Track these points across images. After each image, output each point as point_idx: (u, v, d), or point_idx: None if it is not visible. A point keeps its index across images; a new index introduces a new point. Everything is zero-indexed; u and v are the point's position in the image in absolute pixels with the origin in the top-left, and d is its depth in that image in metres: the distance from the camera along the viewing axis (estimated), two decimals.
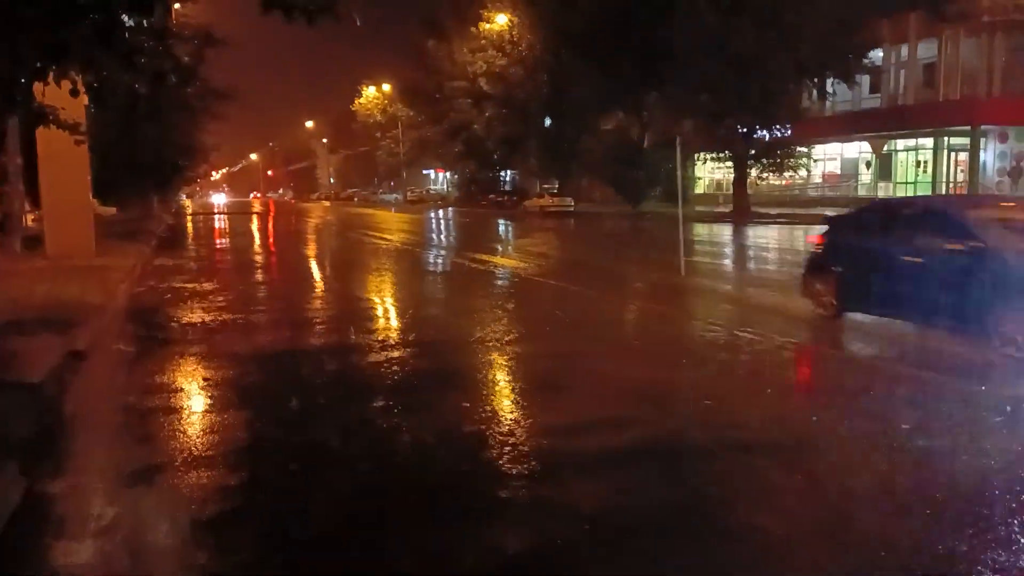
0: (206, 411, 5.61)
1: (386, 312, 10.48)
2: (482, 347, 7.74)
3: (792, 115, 35.25)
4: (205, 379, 6.53)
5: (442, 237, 28.60)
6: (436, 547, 3.49)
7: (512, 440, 4.84)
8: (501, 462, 4.48)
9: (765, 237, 24.39)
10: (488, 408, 5.55)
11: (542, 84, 50.03)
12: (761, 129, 35.52)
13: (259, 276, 15.62)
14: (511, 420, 5.26)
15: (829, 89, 34.74)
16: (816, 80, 34.26)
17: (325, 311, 10.38)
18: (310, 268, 17.20)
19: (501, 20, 52.05)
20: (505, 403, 5.69)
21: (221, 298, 11.58)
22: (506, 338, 8.23)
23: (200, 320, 9.49)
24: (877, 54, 38.53)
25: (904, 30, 40.98)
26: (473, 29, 54.71)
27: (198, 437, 4.98)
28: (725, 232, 27.21)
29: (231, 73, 38.34)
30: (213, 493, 4.11)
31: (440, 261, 18.32)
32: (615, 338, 8.38)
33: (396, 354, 7.40)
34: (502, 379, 6.48)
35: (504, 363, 7.06)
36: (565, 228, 32.02)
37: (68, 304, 9.51)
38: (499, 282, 13.79)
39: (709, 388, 6.07)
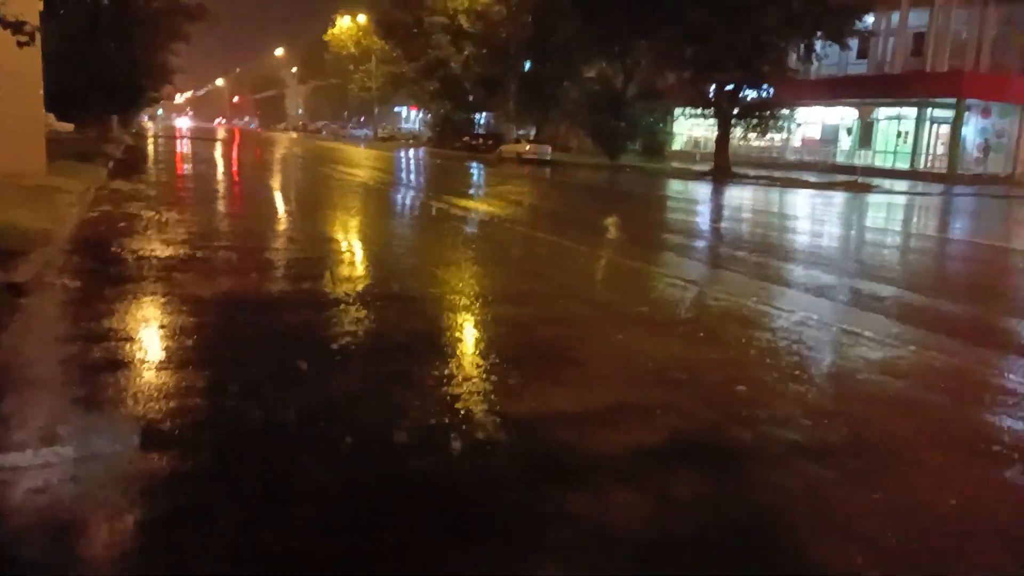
0: (160, 368, 4.79)
1: (362, 259, 9.63)
2: (473, 307, 6.98)
3: (780, 74, 34.39)
4: (161, 327, 5.69)
5: (417, 178, 27.55)
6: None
7: (523, 431, 4.11)
8: (511, 461, 3.76)
9: (752, 199, 23.73)
10: (489, 387, 4.79)
11: (525, 25, 48.46)
12: (748, 87, 34.66)
13: (223, 208, 14.60)
14: (519, 404, 4.52)
15: (819, 50, 33.86)
16: (808, 39, 33.33)
17: (296, 253, 9.49)
18: (278, 203, 16.19)
19: None
20: (510, 381, 4.94)
21: (181, 230, 10.62)
22: (498, 297, 7.48)
23: (157, 254, 8.57)
24: (867, 19, 37.67)
25: None
26: None
27: (149, 403, 4.17)
28: (710, 191, 26.50)
29: None
30: (166, 483, 3.34)
31: (418, 205, 17.40)
32: (618, 302, 7.65)
33: (376, 310, 6.61)
34: (502, 349, 5.70)
35: (501, 329, 6.31)
36: (545, 177, 31.11)
37: (10, 228, 8.55)
38: (482, 231, 12.97)
39: (737, 370, 5.38)
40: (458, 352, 5.54)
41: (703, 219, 17.40)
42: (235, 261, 8.67)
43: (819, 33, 33.03)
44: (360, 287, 7.58)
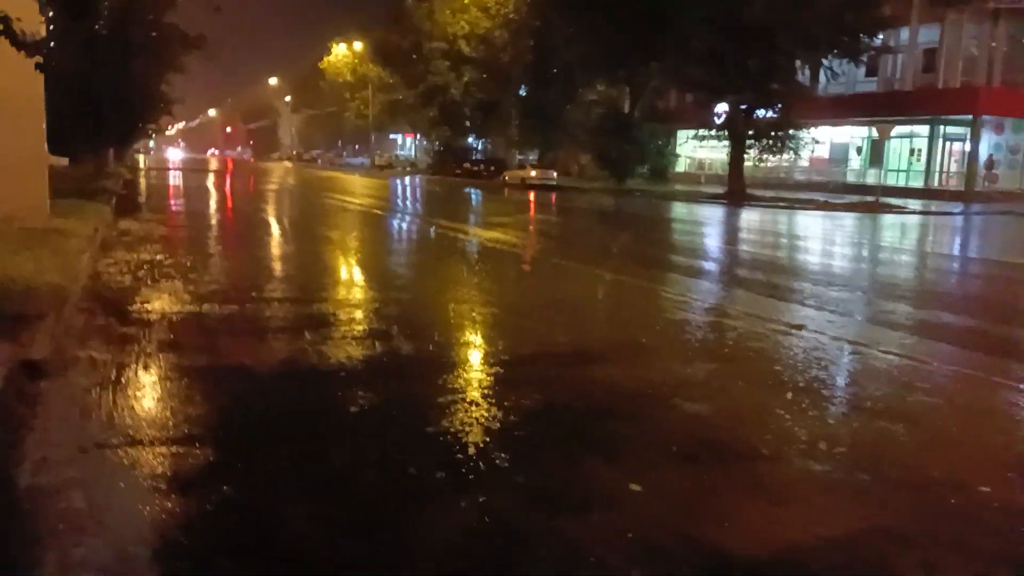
0: (240, 493, 3.61)
1: (421, 308, 8.46)
2: (588, 371, 5.82)
3: (793, 93, 33.54)
4: (222, 420, 4.51)
5: (430, 208, 26.43)
6: None
7: None
8: None
9: (786, 223, 22.69)
10: (675, 505, 3.64)
11: (527, 49, 47.63)
12: (761, 108, 33.77)
13: (243, 249, 13.41)
14: (725, 532, 3.37)
15: (837, 69, 33.04)
16: (826, 58, 32.50)
17: (340, 305, 8.34)
18: (297, 242, 14.99)
19: None
20: (701, 493, 3.78)
21: (207, 278, 9.47)
22: (606, 354, 6.32)
23: (188, 312, 7.41)
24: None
25: (906, 12, 39.52)
26: None
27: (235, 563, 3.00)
28: (737, 215, 25.43)
29: (194, 22, 35.22)
30: None
31: (445, 239, 16.17)
32: (743, 358, 6.48)
33: (471, 381, 5.48)
34: (657, 439, 4.53)
35: (636, 403, 5.14)
36: (558, 203, 30.03)
37: (18, 284, 7.37)
38: (533, 269, 11.85)
39: (962, 467, 4.24)
40: (618, 445, 4.37)
41: (753, 248, 16.29)
42: (276, 318, 7.49)
43: (835, 51, 32.23)
44: (445, 348, 6.43)
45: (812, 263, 13.68)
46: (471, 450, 4.18)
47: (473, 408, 4.83)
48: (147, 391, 4.94)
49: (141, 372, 5.33)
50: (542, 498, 3.64)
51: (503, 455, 4.15)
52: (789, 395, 5.35)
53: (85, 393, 4.83)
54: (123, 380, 5.12)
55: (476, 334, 7.07)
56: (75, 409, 4.56)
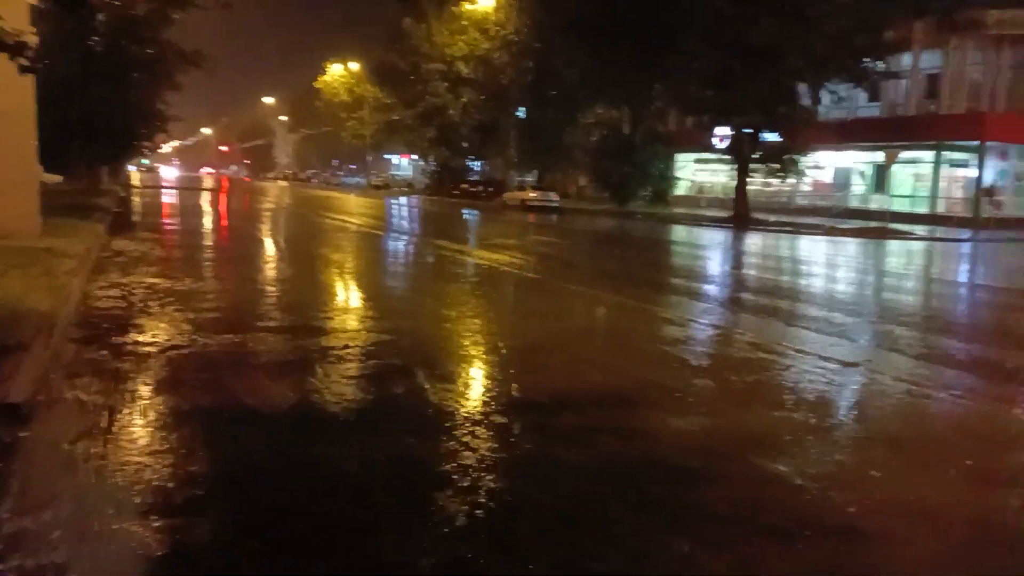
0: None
1: (451, 346, 7.81)
2: (648, 413, 5.19)
3: (802, 118, 33.15)
4: (228, 483, 3.86)
5: (437, 230, 25.83)
6: None
7: None
8: None
9: (802, 249, 22.14)
10: None
11: (527, 71, 47.35)
12: (770, 131, 33.34)
13: (242, 272, 12.72)
14: None
15: (842, 93, 32.71)
16: (833, 81, 32.13)
17: (352, 335, 7.68)
18: (302, 264, 14.34)
19: (487, 1, 49.13)
20: None
21: (206, 305, 8.80)
22: (664, 401, 5.69)
23: (187, 342, 6.74)
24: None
25: (907, 37, 39.34)
26: (454, 9, 51.86)
27: None
28: (751, 241, 24.88)
29: (193, 39, 34.68)
30: None
31: (462, 265, 15.54)
32: (810, 406, 5.86)
33: (530, 441, 4.83)
34: (733, 506, 3.90)
35: (709, 466, 4.51)
36: (562, 226, 29.46)
37: (2, 310, 6.71)
38: (550, 296, 11.23)
39: None
40: (692, 514, 3.73)
41: (774, 275, 15.70)
42: (282, 351, 6.80)
43: (840, 75, 31.88)
44: (471, 389, 5.80)
45: (841, 292, 13.10)
46: (522, 522, 3.54)
47: (515, 467, 4.19)
48: (143, 443, 4.27)
49: (136, 418, 4.66)
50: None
51: (558, 528, 3.51)
52: (877, 452, 4.72)
53: (71, 445, 4.15)
54: (115, 428, 4.45)
55: (503, 373, 6.42)
56: (58, 467, 3.89)
